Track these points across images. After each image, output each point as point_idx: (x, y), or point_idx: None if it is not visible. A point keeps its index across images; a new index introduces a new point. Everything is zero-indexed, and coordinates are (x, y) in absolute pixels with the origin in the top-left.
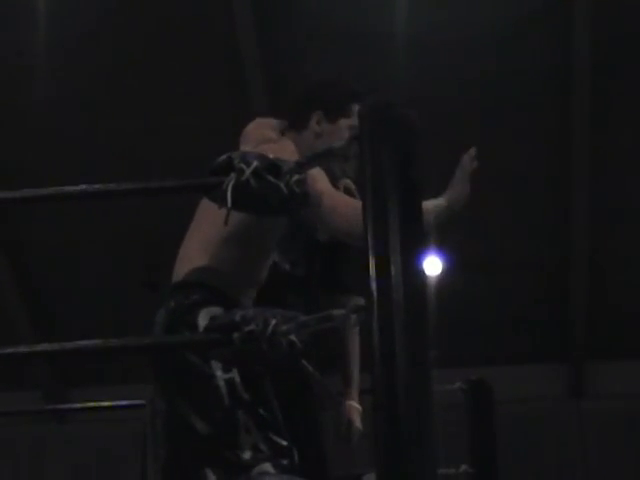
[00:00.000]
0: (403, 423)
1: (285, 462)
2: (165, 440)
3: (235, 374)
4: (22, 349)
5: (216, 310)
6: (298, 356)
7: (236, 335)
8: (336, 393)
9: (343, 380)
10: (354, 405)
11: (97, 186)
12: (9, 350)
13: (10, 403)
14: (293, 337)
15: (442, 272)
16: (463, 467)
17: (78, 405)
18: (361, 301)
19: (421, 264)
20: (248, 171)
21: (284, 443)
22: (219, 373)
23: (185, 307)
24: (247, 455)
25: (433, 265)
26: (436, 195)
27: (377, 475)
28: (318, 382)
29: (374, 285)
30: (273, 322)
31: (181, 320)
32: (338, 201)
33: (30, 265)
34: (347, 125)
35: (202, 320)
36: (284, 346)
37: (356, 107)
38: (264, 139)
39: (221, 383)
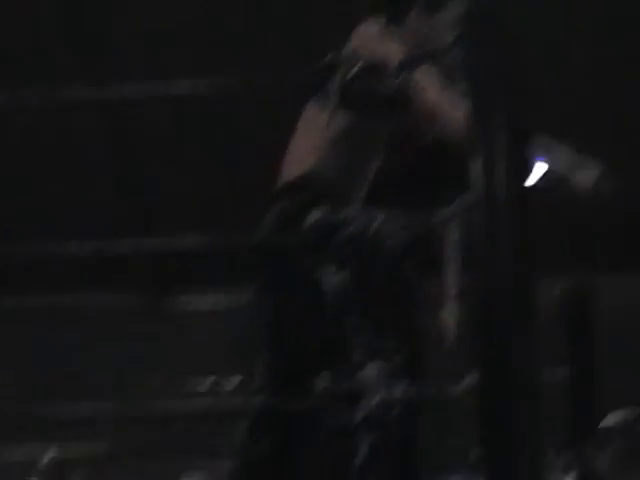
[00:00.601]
0: (503, 324)
1: (392, 364)
2: (272, 344)
3: (342, 276)
4: (123, 245)
5: (323, 212)
6: (400, 257)
7: (339, 236)
8: (436, 296)
9: (441, 283)
10: (452, 309)
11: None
12: (108, 246)
13: (110, 305)
14: (395, 238)
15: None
16: (560, 371)
17: (180, 308)
18: (464, 203)
19: (526, 167)
20: (353, 71)
21: (391, 345)
22: (327, 275)
23: (292, 209)
24: (356, 357)
25: (537, 169)
26: None
27: (479, 375)
28: (418, 284)
29: (478, 187)
30: (376, 223)
31: (288, 221)
32: (442, 102)
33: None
34: (448, 22)
35: (309, 222)
36: (386, 247)
37: (457, 3)
38: (370, 39)
39: (329, 285)
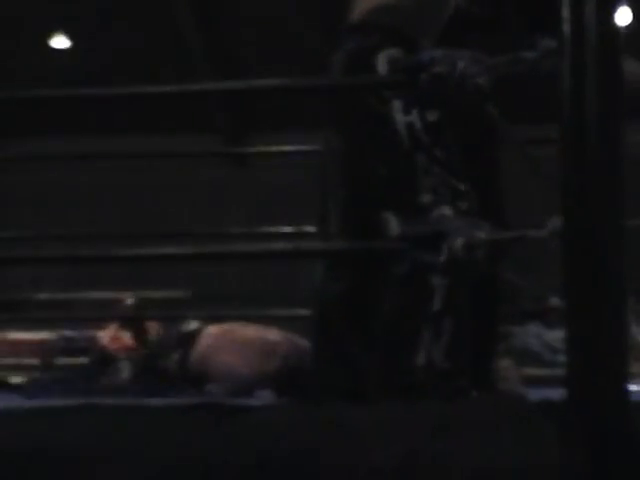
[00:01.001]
0: (591, 169)
1: (464, 205)
2: (344, 184)
3: (415, 117)
4: (202, 87)
5: (396, 52)
6: (485, 100)
7: (423, 76)
8: (520, 140)
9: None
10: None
11: None
12: (190, 88)
13: (191, 146)
14: (481, 80)
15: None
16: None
17: (259, 149)
18: (553, 44)
19: (615, 8)
20: None
21: (463, 187)
22: (399, 115)
23: (365, 49)
24: (426, 198)
25: (623, 14)
26: None
27: (563, 221)
28: (502, 127)
29: (566, 27)
30: (461, 64)
31: (360, 62)
32: None
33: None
34: None
35: (382, 63)
36: (471, 89)
37: None
38: None
39: (401, 125)
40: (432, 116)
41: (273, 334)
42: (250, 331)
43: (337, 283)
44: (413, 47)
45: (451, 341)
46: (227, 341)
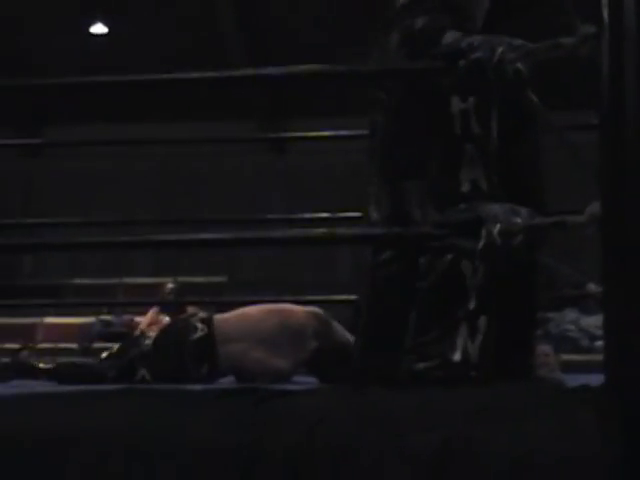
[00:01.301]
0: (631, 151)
1: (499, 192)
2: (389, 166)
3: (471, 105)
4: (239, 73)
5: (458, 35)
6: (524, 86)
7: (462, 63)
8: (559, 126)
9: None
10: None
11: None
12: (227, 74)
13: (227, 133)
14: (520, 66)
15: None
16: None
17: (299, 134)
18: (592, 29)
19: None
20: None
21: (495, 180)
22: (456, 101)
23: (431, 29)
24: (465, 187)
25: None
26: None
27: (602, 207)
28: (542, 113)
29: (605, 12)
30: (500, 50)
31: (429, 43)
32: None
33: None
34: None
35: (445, 44)
36: (510, 75)
37: None
38: None
39: (455, 111)
40: (482, 106)
41: (292, 316)
42: (268, 318)
43: (385, 268)
44: (472, 28)
45: (485, 339)
46: (250, 334)
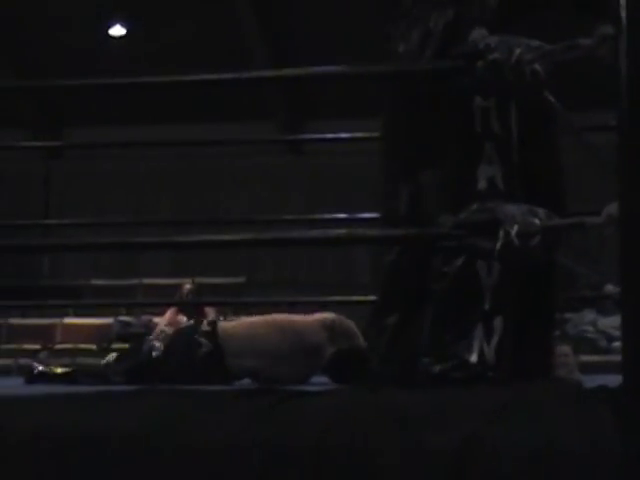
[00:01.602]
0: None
1: (517, 193)
2: (399, 166)
3: (492, 103)
4: (260, 74)
5: (485, 33)
6: (541, 86)
7: (480, 63)
8: (578, 127)
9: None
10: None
11: None
12: (245, 75)
13: (247, 134)
14: (537, 66)
15: None
16: None
17: (316, 136)
18: (609, 30)
19: None
20: None
21: (515, 182)
22: (478, 99)
23: (460, 23)
24: (482, 185)
25: None
26: None
27: (620, 208)
28: (560, 113)
29: (623, 13)
30: (517, 51)
31: (456, 37)
32: None
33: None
34: None
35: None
36: (527, 75)
37: None
38: None
39: (476, 109)
40: (502, 105)
41: (306, 331)
42: (281, 335)
43: (393, 266)
44: (498, 24)
45: (501, 340)
46: (264, 351)
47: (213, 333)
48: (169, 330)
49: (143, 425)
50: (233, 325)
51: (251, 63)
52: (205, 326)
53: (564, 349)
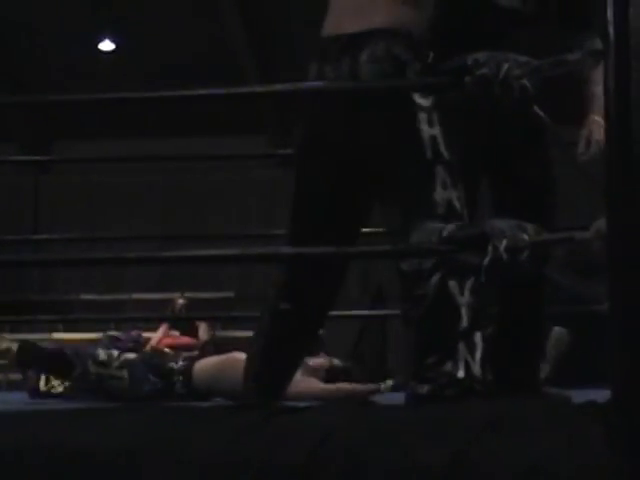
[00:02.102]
0: (637, 167)
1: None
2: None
3: (438, 131)
4: (251, 89)
5: (421, 66)
6: (530, 101)
7: (468, 79)
8: (566, 142)
9: (586, 99)
10: (597, 119)
11: None
12: (236, 90)
13: (238, 148)
14: (525, 82)
15: None
16: None
17: None
18: (599, 44)
19: None
20: None
21: (462, 210)
22: (425, 127)
23: (397, 59)
24: (440, 210)
25: None
26: None
27: (608, 223)
28: (550, 128)
29: (611, 29)
30: (506, 66)
31: (397, 72)
32: None
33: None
34: None
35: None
36: (516, 90)
37: None
38: None
39: (425, 136)
40: (452, 133)
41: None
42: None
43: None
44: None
45: (485, 353)
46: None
47: (189, 371)
48: (160, 346)
49: (131, 441)
50: (212, 363)
51: (240, 78)
52: (180, 361)
53: None
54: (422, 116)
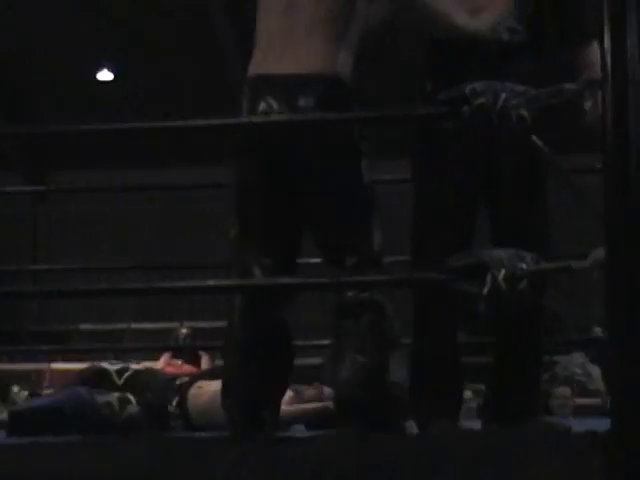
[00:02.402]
0: (635, 195)
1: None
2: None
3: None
4: (245, 120)
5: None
6: (528, 131)
7: (465, 108)
8: (565, 170)
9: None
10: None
11: None
12: (231, 121)
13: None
14: (523, 111)
15: None
16: None
17: None
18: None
19: None
20: None
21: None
22: (366, 172)
23: (334, 103)
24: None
25: None
26: None
27: (606, 252)
28: (548, 158)
29: (609, 59)
30: (503, 96)
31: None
32: None
33: None
34: None
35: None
36: (514, 120)
37: None
38: None
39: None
40: (485, 146)
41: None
42: None
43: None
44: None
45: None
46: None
47: (184, 404)
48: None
49: (131, 474)
50: (199, 395)
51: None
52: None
53: (564, 391)
54: (364, 162)
